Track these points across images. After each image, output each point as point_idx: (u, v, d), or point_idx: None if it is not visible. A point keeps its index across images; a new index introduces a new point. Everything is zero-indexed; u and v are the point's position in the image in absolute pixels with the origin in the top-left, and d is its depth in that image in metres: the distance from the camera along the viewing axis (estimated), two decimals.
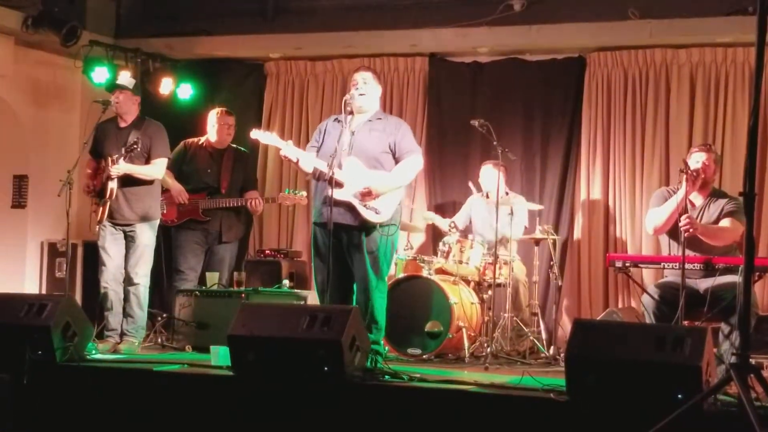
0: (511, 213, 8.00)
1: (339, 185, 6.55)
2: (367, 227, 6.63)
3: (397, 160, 6.74)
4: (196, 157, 8.51)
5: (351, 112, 6.71)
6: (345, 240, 6.67)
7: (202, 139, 8.61)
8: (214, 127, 8.59)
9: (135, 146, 7.47)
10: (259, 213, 8.65)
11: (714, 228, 6.57)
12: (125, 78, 8.01)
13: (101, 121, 7.85)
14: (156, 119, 7.94)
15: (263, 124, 9.83)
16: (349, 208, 6.59)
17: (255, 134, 7.06)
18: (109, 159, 7.52)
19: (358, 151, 6.66)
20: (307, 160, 6.75)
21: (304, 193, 8.52)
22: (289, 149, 6.76)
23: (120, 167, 7.48)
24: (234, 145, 8.72)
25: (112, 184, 7.51)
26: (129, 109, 7.75)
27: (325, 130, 6.88)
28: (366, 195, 6.56)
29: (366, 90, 6.81)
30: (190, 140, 8.65)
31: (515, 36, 8.94)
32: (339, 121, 6.83)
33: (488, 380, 6.14)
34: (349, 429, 5.62)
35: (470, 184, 8.53)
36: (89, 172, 7.79)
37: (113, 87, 7.87)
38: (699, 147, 6.92)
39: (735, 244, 6.63)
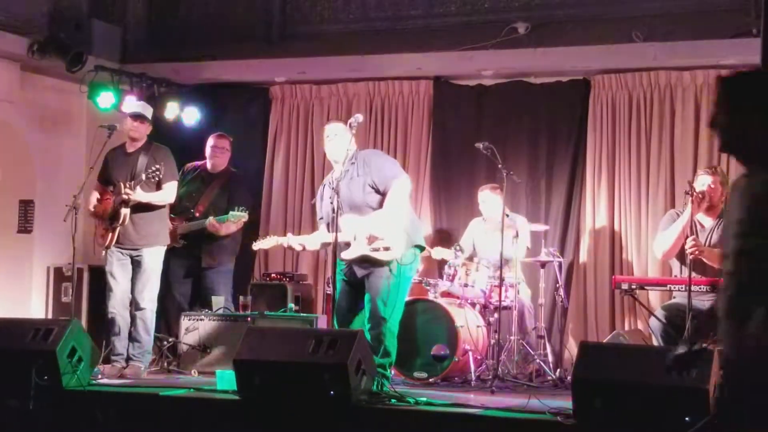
0: (516, 235, 8.00)
1: (348, 245, 6.76)
2: (387, 263, 6.75)
3: (383, 192, 6.80)
4: (191, 182, 8.54)
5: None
6: (370, 279, 6.80)
7: (199, 164, 8.67)
8: (207, 152, 8.71)
9: (158, 172, 7.51)
10: (221, 233, 8.48)
11: (719, 252, 6.56)
12: (146, 108, 8.02)
13: (110, 148, 7.91)
14: (161, 143, 7.98)
15: (268, 148, 9.86)
16: (365, 258, 6.72)
17: (257, 245, 7.52)
18: (123, 185, 7.52)
19: (346, 205, 6.82)
20: (312, 241, 7.10)
21: (245, 214, 8.29)
22: (292, 241, 7.17)
23: (138, 196, 7.50)
24: (233, 169, 8.78)
25: (126, 210, 7.53)
26: (142, 136, 7.84)
27: (321, 197, 7.10)
28: (371, 240, 6.71)
29: (336, 141, 6.96)
30: (190, 165, 8.72)
31: (520, 59, 8.96)
32: (326, 185, 7.05)
33: (495, 403, 6.13)
34: None
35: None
36: (97, 196, 7.83)
37: (137, 116, 7.86)
38: (704, 170, 6.94)
39: None
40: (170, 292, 8.45)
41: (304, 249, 7.22)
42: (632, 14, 8.81)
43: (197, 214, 8.48)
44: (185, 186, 8.47)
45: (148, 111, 7.96)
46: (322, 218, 7.08)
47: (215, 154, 8.69)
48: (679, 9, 8.70)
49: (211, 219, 8.31)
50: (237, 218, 8.17)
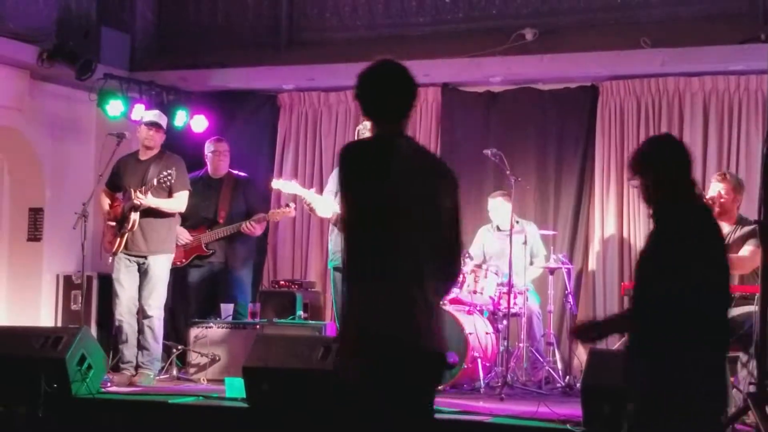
0: (525, 242, 8.00)
1: None
2: None
3: None
4: (200, 191, 8.46)
5: None
6: None
7: (201, 172, 8.66)
8: (207, 157, 8.73)
9: (169, 177, 7.53)
10: (257, 234, 8.60)
11: (731, 257, 6.55)
12: (161, 117, 8.05)
13: (121, 155, 7.94)
14: (170, 151, 8.00)
15: (276, 156, 9.86)
16: None
17: (276, 184, 7.57)
18: (134, 190, 7.55)
19: None
20: (324, 205, 7.16)
21: (292, 205, 8.49)
22: (309, 195, 7.28)
23: (149, 201, 7.53)
24: (235, 172, 8.79)
25: (135, 216, 7.56)
26: (157, 145, 7.87)
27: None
28: None
29: None
30: (190, 175, 8.70)
31: (528, 65, 8.95)
32: None
33: (504, 411, 6.12)
34: None
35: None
36: (108, 201, 7.87)
37: (152, 124, 7.89)
38: (714, 177, 6.93)
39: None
40: (186, 300, 8.46)
41: (312, 210, 7.25)
42: (640, 20, 8.81)
43: (220, 221, 8.50)
44: (196, 196, 8.34)
45: (163, 120, 8.00)
46: (332, 192, 7.18)
47: (219, 158, 8.71)
48: (687, 15, 8.70)
49: (250, 221, 8.38)
50: (283, 214, 8.38)
